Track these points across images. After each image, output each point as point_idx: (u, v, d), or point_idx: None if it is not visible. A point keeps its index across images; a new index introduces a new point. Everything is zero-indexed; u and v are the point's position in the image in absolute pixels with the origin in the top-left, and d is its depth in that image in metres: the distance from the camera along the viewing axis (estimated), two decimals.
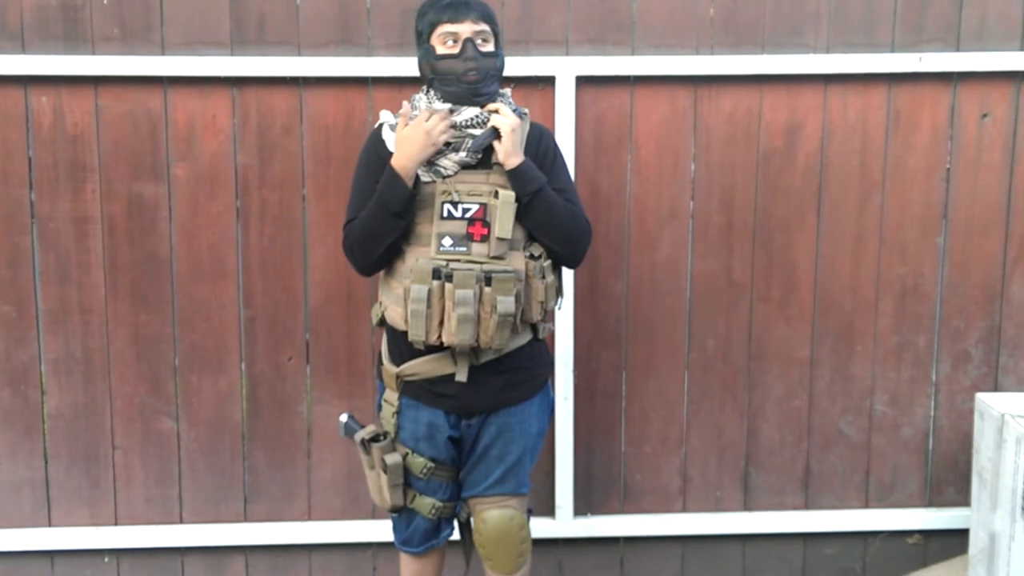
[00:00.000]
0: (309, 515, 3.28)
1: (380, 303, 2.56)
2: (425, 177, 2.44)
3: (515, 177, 2.43)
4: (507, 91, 2.56)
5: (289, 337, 3.19)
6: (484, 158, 2.46)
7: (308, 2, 3.04)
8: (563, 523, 3.28)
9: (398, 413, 2.57)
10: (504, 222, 2.38)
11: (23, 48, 3.00)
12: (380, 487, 2.60)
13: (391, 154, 2.44)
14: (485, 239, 2.40)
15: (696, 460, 3.32)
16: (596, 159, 3.15)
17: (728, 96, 3.15)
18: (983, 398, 3.09)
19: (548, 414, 2.69)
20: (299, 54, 3.04)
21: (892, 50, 3.13)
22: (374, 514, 3.25)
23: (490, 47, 2.45)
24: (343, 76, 3.04)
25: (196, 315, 3.16)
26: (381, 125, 2.56)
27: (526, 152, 2.47)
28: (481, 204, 2.41)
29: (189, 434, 3.22)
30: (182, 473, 3.24)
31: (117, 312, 3.14)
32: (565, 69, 3.06)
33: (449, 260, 2.39)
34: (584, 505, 3.32)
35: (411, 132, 2.39)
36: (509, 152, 2.41)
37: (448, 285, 2.36)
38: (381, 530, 3.21)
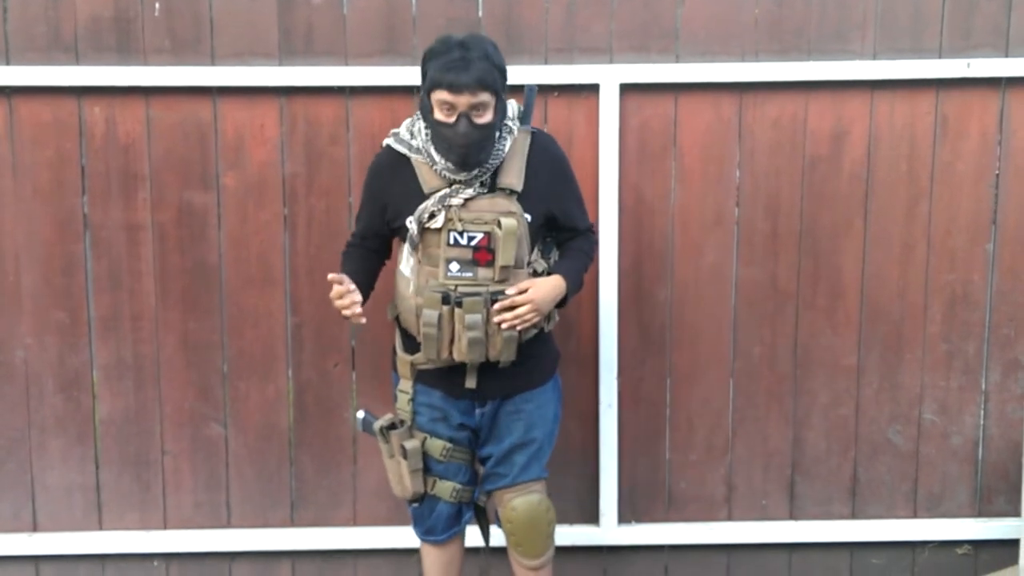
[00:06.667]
0: (355, 520, 3.30)
1: (395, 305, 2.69)
2: (433, 223, 2.50)
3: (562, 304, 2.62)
4: (511, 103, 2.59)
5: (335, 344, 3.22)
6: (490, 184, 2.54)
7: (355, 12, 3.07)
8: (607, 531, 3.28)
9: (413, 399, 2.67)
10: (507, 252, 2.49)
11: (77, 59, 3.06)
12: (400, 475, 2.69)
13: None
14: (490, 264, 2.51)
15: (741, 468, 3.30)
16: (640, 166, 3.15)
17: (773, 103, 3.14)
18: None
19: (560, 401, 2.79)
20: (346, 64, 3.08)
21: (940, 56, 3.11)
22: None
23: (487, 117, 2.43)
24: (389, 85, 3.07)
25: (244, 322, 3.20)
26: (388, 146, 2.63)
27: (535, 174, 2.55)
28: (485, 233, 2.50)
29: (237, 440, 3.25)
30: (230, 478, 3.27)
31: (167, 319, 3.18)
32: (609, 77, 3.07)
33: (457, 284, 2.49)
34: (628, 513, 3.31)
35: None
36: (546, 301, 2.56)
37: (458, 310, 2.49)
38: None
